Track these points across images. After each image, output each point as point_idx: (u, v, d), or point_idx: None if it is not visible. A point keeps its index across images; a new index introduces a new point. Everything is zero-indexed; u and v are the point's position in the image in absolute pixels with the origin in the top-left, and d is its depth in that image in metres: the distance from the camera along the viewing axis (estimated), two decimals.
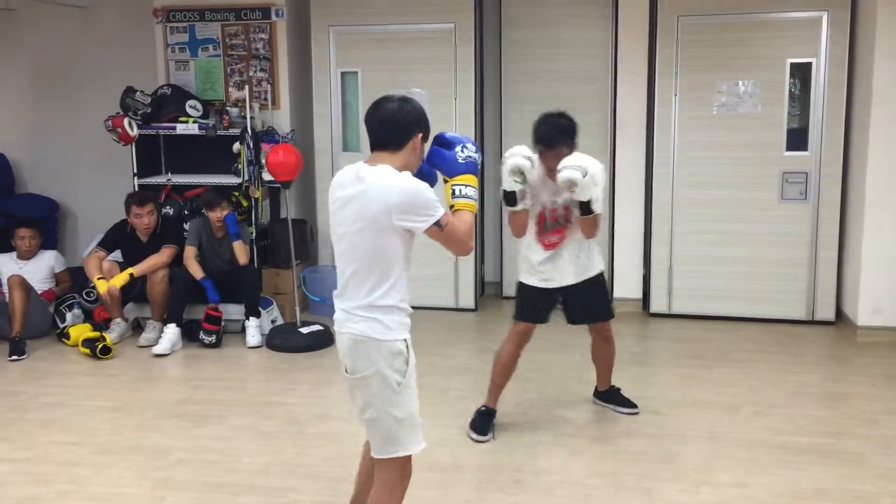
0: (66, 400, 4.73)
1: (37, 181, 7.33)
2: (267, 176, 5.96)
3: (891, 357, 5.26)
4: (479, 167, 2.75)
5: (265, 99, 6.43)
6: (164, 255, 5.76)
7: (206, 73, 6.54)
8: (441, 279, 6.34)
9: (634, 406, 4.40)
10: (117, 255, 5.96)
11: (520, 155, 3.70)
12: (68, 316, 5.96)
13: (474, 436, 4.05)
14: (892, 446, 3.96)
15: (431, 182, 2.74)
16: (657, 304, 6.15)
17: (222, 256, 5.85)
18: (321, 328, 5.69)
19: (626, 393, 4.47)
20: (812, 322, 5.94)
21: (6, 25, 7.17)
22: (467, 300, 6.44)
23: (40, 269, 6.09)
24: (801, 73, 5.78)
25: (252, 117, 6.13)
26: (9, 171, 7.18)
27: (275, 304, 6.06)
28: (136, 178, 6.26)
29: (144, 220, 5.77)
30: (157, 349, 5.48)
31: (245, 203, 6.16)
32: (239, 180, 6.11)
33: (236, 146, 6.08)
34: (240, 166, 6.08)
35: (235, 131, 6.12)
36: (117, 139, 6.01)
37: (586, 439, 4.09)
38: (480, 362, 5.40)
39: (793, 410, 4.42)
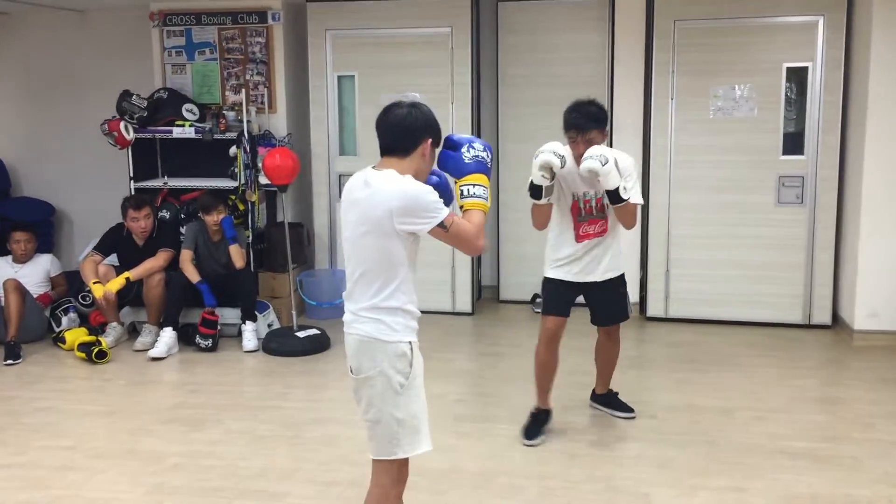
0: (61, 404, 4.72)
1: (33, 185, 7.32)
2: (263, 180, 5.95)
3: (887, 361, 5.26)
4: (489, 165, 2.73)
5: (262, 102, 6.43)
6: (160, 258, 5.75)
7: (203, 76, 6.54)
8: (438, 283, 6.34)
9: (631, 410, 4.40)
10: (113, 258, 5.95)
11: (551, 151, 3.68)
12: (64, 320, 5.94)
13: (523, 440, 4.06)
14: (888, 450, 3.96)
15: (447, 197, 2.71)
16: (654, 308, 6.15)
17: (219, 260, 5.84)
18: (318, 332, 5.68)
19: (622, 397, 4.47)
20: (809, 326, 5.94)
21: (2, 29, 7.16)
22: (464, 304, 6.43)
23: (36, 273, 6.08)
24: (798, 77, 5.79)
25: (249, 121, 6.12)
26: (5, 174, 7.18)
27: (271, 307, 6.05)
28: (132, 181, 6.25)
29: (141, 223, 5.76)
30: (153, 353, 5.47)
31: (242, 207, 6.15)
32: (235, 184, 6.11)
33: (233, 150, 6.08)
34: (236, 170, 6.08)
35: (232, 135, 6.12)
36: (113, 143, 6.01)
37: (583, 443, 4.09)
38: (477, 366, 5.40)
39: (789, 415, 4.41)
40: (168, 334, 5.56)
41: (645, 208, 6.12)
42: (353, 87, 6.43)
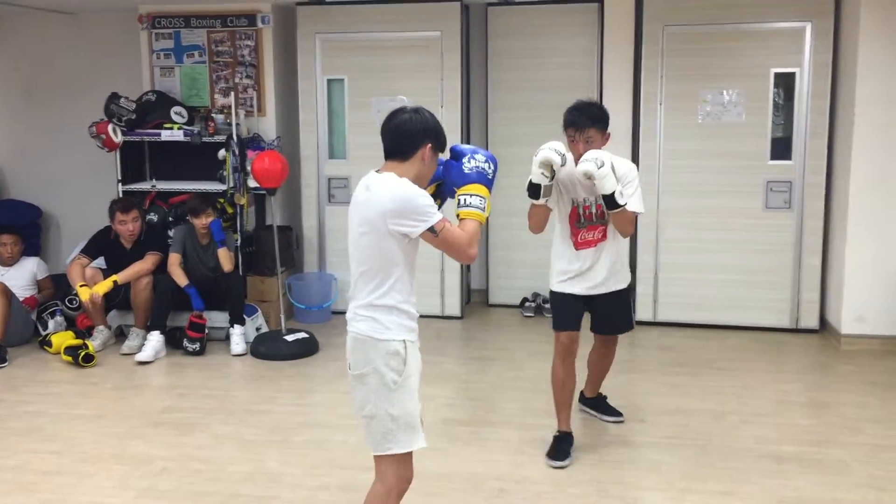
0: (47, 408, 4.68)
1: (20, 187, 7.28)
2: (252, 183, 5.94)
3: (874, 365, 5.29)
4: (490, 177, 2.76)
5: (251, 106, 6.42)
6: (148, 261, 5.72)
7: (192, 79, 6.52)
8: (427, 287, 6.32)
9: (620, 415, 4.41)
10: (101, 262, 5.92)
11: (552, 149, 3.68)
12: (51, 323, 5.91)
13: (551, 463, 3.87)
14: (875, 454, 3.98)
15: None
16: (642, 313, 6.16)
17: (207, 263, 5.82)
18: (306, 336, 5.67)
19: (611, 401, 4.47)
20: (796, 330, 5.97)
21: None
22: (453, 308, 6.43)
23: (22, 276, 6.04)
24: (785, 83, 5.82)
25: (238, 124, 6.11)
26: None
27: (259, 311, 6.03)
28: (120, 184, 6.22)
29: (129, 226, 5.73)
30: (141, 357, 5.44)
31: (230, 210, 6.13)
32: (224, 187, 6.09)
33: (221, 153, 6.06)
34: (225, 173, 6.06)
35: (221, 138, 6.10)
36: (101, 145, 5.98)
37: (572, 447, 4.08)
38: (466, 370, 5.40)
39: (777, 418, 4.43)
40: (155, 338, 5.53)
41: None
42: (343, 90, 6.43)
